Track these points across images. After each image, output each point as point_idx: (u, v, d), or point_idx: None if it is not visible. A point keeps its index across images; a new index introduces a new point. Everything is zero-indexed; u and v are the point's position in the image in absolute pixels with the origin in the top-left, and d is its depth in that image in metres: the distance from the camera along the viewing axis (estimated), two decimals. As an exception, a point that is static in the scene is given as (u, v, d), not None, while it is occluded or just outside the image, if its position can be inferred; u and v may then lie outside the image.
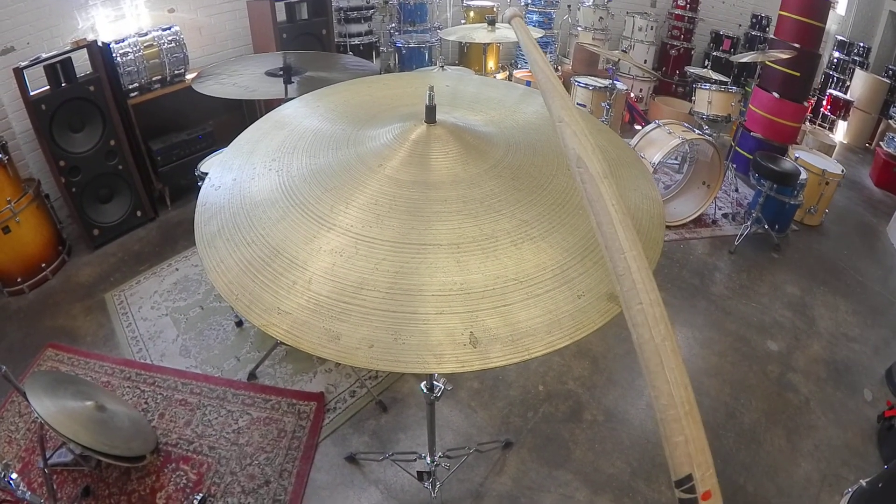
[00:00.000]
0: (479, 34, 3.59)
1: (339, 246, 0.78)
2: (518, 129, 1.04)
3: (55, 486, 2.13)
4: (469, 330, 0.71)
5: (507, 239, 0.80)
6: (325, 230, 0.80)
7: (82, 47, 3.34)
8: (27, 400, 1.84)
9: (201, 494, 2.11)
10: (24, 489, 1.94)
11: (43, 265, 3.32)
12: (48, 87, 3.21)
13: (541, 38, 4.15)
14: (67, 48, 3.32)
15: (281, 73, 2.36)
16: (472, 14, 5.61)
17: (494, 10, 5.51)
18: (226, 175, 0.96)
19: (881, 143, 5.33)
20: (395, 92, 1.22)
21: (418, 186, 0.84)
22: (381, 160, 0.88)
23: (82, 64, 3.40)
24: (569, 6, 6.03)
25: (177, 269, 3.43)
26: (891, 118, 5.48)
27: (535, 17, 5.82)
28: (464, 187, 0.85)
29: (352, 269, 0.75)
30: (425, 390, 1.54)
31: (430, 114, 0.92)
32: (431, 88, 0.90)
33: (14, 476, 1.94)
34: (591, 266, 0.81)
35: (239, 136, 1.07)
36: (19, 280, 3.22)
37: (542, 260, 0.79)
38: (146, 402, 2.53)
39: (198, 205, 0.91)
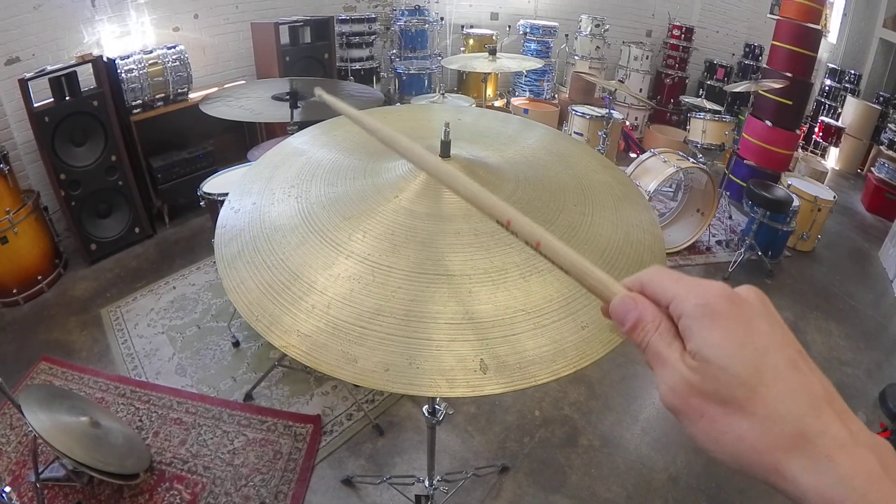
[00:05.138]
0: (480, 63, 3.66)
1: (357, 273, 0.80)
2: (527, 165, 1.08)
3: (46, 502, 2.11)
4: (479, 357, 0.73)
5: (517, 271, 0.83)
6: (344, 257, 0.82)
7: (88, 62, 3.38)
8: (21, 413, 1.83)
9: (195, 514, 2.10)
10: (17, 502, 1.93)
11: (39, 277, 3.32)
12: (52, 99, 3.24)
13: (539, 67, 4.24)
14: (73, 62, 3.37)
15: (287, 97, 2.40)
16: (471, 42, 5.71)
17: (494, 38, 5.62)
18: (245, 199, 0.98)
19: (872, 168, 5.44)
20: (411, 125, 1.25)
21: (432, 218, 0.87)
22: (396, 191, 0.91)
23: (87, 78, 3.44)
24: (566, 35, 6.16)
25: (174, 288, 3.43)
26: (882, 144, 5.58)
27: (533, 46, 5.92)
28: (475, 221, 0.88)
29: (369, 296, 0.78)
30: (427, 414, 1.55)
31: (445, 148, 0.95)
32: (447, 124, 0.93)
33: (7, 489, 1.94)
34: (594, 299, 0.82)
35: (258, 161, 1.09)
36: (15, 291, 3.21)
37: (548, 292, 0.82)
38: (141, 420, 2.51)
39: (217, 226, 0.93)
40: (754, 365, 0.36)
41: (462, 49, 5.83)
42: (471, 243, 0.85)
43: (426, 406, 1.55)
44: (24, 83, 3.02)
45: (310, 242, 0.85)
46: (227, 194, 2.48)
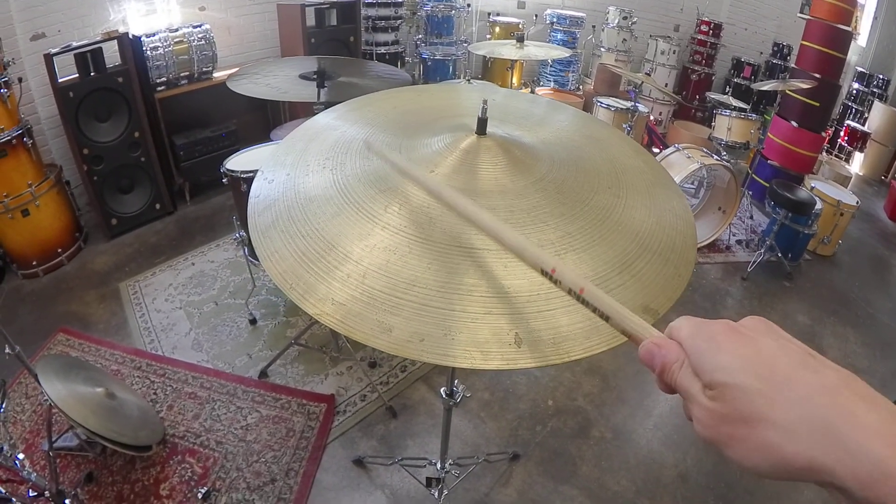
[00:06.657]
0: (508, 50, 3.63)
1: (393, 244, 0.80)
2: (561, 146, 1.07)
3: (58, 471, 2.14)
4: (514, 330, 0.73)
5: (552, 248, 0.82)
6: (380, 228, 0.82)
7: (113, 38, 3.39)
8: (38, 382, 1.85)
9: (206, 488, 2.12)
10: (30, 470, 1.96)
11: (59, 250, 3.36)
12: (77, 75, 3.26)
13: (565, 57, 4.19)
14: (98, 38, 3.37)
15: (314, 76, 2.39)
16: (497, 29, 5.66)
17: (520, 26, 5.56)
18: (279, 170, 0.98)
19: (897, 176, 5.35)
20: (442, 103, 1.25)
21: (468, 193, 0.86)
22: (432, 166, 0.90)
23: (112, 55, 3.45)
24: (593, 27, 6.08)
25: (193, 264, 3.45)
26: (908, 152, 5.48)
27: (559, 36, 5.87)
28: (511, 197, 0.87)
29: (405, 267, 0.77)
30: (445, 395, 1.54)
31: (482, 126, 0.94)
32: (485, 102, 0.92)
33: (21, 456, 1.96)
34: (628, 279, 0.83)
35: (290, 134, 1.09)
36: (35, 263, 3.26)
37: (583, 270, 0.81)
38: (155, 393, 2.54)
39: (251, 196, 0.93)
40: (766, 375, 0.38)
41: (488, 36, 5.78)
42: (506, 219, 0.84)
43: (444, 388, 1.55)
44: (49, 58, 3.04)
45: (345, 213, 0.85)
46: (250, 171, 2.49)
